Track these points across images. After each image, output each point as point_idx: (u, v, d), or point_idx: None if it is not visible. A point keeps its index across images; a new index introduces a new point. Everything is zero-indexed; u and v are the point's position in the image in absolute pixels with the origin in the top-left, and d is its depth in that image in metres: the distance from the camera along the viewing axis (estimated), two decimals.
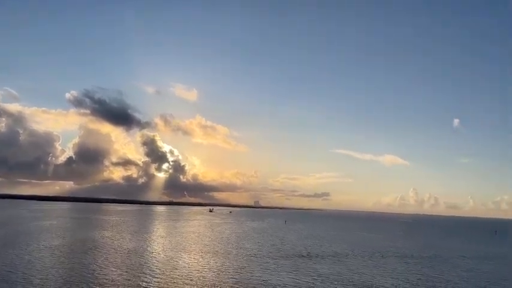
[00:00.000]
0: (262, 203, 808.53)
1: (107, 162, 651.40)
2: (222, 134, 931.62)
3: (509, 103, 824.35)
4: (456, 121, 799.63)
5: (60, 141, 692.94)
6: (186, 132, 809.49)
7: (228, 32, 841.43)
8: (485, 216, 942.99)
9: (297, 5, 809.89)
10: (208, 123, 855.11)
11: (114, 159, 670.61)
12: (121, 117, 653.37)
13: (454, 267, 56.33)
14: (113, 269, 42.65)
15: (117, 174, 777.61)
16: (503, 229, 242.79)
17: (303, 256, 60.18)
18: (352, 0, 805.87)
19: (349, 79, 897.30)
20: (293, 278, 42.32)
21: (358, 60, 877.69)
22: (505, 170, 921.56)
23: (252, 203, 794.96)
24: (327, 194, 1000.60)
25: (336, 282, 41.34)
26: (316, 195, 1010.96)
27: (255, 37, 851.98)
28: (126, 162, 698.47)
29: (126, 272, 41.61)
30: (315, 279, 42.52)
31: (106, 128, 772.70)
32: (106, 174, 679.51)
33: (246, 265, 49.05)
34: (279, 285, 38.96)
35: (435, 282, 44.13)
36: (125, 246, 61.79)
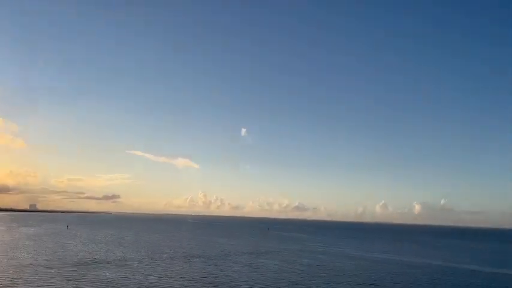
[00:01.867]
0: (41, 207, 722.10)
1: None
2: None
3: (289, 116, 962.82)
4: (244, 130, 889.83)
5: None
6: None
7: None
8: (260, 216, 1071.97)
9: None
10: None
11: None
12: None
13: (234, 263, 61.87)
14: None
15: None
16: (273, 226, 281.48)
17: (86, 262, 56.04)
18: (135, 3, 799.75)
19: (146, 81, 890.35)
20: (76, 287, 38.92)
21: (155, 62, 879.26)
22: (276, 176, 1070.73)
23: (27, 207, 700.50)
24: (117, 196, 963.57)
25: (121, 287, 39.96)
26: (105, 198, 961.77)
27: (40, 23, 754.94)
28: None
29: None
30: (99, 286, 40.10)
31: None
32: None
33: (17, 277, 42.53)
34: None
35: (218, 278, 47.52)
36: None
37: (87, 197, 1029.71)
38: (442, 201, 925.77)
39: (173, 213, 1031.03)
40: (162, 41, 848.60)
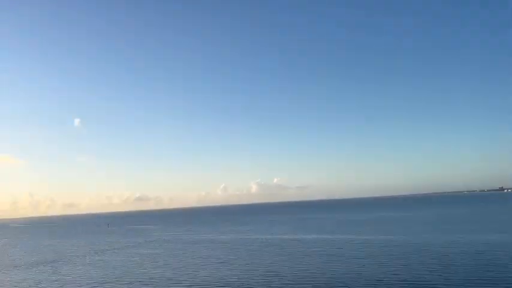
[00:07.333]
0: None
1: None
2: None
3: (125, 105, 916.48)
4: (77, 120, 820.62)
5: None
6: None
7: None
8: (99, 211, 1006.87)
9: None
10: None
11: None
12: None
13: (73, 265, 56.74)
14: None
15: None
16: (114, 221, 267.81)
17: None
18: None
19: None
20: None
21: None
22: (115, 168, 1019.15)
23: None
24: None
25: None
26: None
27: None
28: None
29: None
30: None
31: None
32: None
33: None
34: None
35: (61, 284, 42.94)
36: None
37: None
38: (275, 180, 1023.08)
39: None
40: None
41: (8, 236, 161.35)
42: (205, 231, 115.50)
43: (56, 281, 45.02)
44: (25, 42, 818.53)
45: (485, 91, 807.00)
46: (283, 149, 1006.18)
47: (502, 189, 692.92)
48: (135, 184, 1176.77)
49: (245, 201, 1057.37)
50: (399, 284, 34.20)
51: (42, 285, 43.08)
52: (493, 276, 35.10)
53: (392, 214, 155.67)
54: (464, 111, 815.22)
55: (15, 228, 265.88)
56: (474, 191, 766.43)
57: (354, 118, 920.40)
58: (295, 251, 57.99)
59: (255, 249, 62.64)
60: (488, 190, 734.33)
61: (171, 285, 39.35)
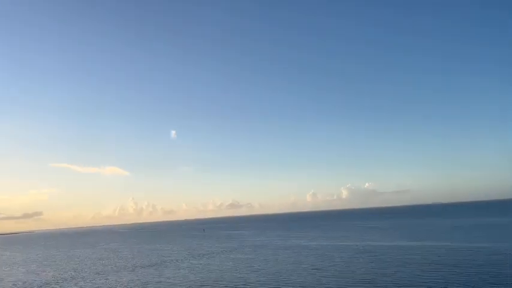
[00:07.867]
0: None
1: None
2: None
3: (217, 116, 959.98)
4: (173, 132, 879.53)
5: None
6: None
7: None
8: (195, 218, 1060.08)
9: None
10: None
11: None
12: None
13: (177, 268, 60.37)
14: None
15: None
16: (209, 226, 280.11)
17: None
18: None
19: (62, 91, 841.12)
20: None
21: (74, 64, 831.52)
22: (209, 176, 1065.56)
23: None
24: (39, 213, 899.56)
25: None
26: (25, 216, 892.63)
27: None
28: None
29: None
30: None
31: None
32: None
33: None
34: None
35: (167, 286, 46.04)
36: None
37: (4, 218, 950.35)
38: (367, 185, 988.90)
39: (102, 224, 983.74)
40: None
41: (117, 240, 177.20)
42: (296, 236, 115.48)
43: (159, 282, 48.40)
44: (123, 57, 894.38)
45: None
46: (376, 152, 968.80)
47: None
48: (227, 191, 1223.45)
49: (336, 207, 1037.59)
50: None
51: (149, 286, 46.56)
52: None
53: (501, 219, 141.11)
54: None
55: (122, 233, 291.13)
56: None
57: (461, 116, 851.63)
58: (391, 259, 55.39)
59: (349, 256, 61.08)
60: None
61: None
